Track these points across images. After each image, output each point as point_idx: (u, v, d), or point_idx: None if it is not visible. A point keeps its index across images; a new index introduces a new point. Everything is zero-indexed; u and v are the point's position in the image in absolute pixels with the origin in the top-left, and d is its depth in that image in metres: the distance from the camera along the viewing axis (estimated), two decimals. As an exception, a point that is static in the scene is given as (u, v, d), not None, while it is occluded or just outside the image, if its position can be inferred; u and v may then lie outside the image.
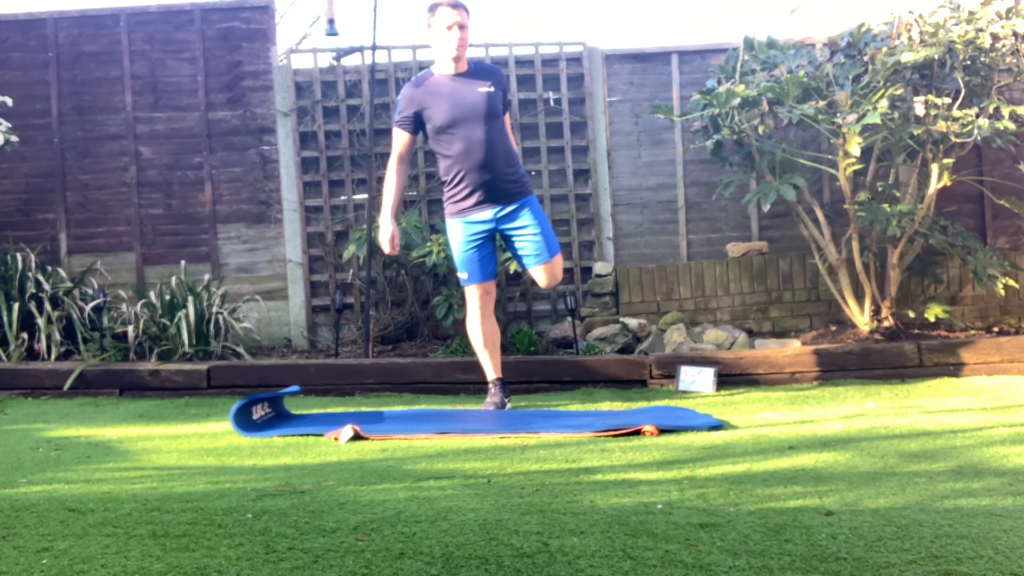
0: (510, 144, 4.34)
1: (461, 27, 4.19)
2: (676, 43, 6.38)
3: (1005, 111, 5.01)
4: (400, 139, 4.30)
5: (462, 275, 4.37)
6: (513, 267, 5.60)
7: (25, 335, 5.50)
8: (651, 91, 6.33)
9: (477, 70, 4.30)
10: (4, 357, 5.40)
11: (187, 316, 5.35)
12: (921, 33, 5.05)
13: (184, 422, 4.13)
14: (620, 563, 1.87)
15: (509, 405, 4.31)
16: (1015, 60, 5.12)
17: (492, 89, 4.23)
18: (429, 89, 4.23)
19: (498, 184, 4.23)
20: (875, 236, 5.62)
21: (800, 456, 2.98)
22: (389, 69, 6.26)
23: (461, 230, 4.31)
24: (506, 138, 4.31)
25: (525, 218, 4.28)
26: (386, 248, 4.34)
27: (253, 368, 5.16)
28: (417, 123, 4.26)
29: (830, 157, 5.51)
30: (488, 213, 4.26)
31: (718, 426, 3.62)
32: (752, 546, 1.97)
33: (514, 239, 4.33)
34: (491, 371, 4.39)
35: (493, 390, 4.34)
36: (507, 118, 4.43)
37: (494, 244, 4.39)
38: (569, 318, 5.43)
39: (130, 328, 5.44)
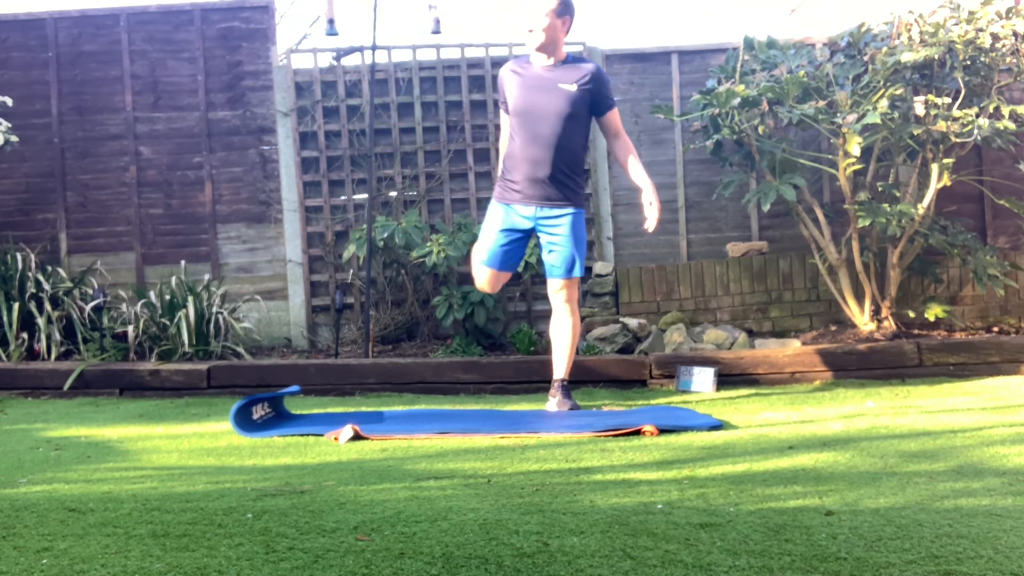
0: (577, 150, 4.25)
1: (531, 30, 4.15)
2: (676, 43, 6.38)
3: (1005, 111, 5.01)
4: (504, 121, 4.36)
5: (479, 255, 4.33)
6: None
7: (25, 335, 5.50)
8: (651, 91, 6.33)
9: (570, 65, 4.22)
10: (4, 357, 5.40)
11: (187, 316, 5.35)
12: (921, 33, 5.05)
13: (184, 422, 4.13)
14: (620, 563, 1.87)
15: None
16: (1015, 60, 5.12)
17: (573, 89, 4.15)
18: (517, 73, 4.26)
19: (548, 185, 4.18)
20: (875, 236, 5.62)
21: (800, 456, 2.98)
22: (389, 69, 6.26)
23: (500, 215, 4.27)
24: (575, 142, 4.22)
25: (561, 228, 4.21)
26: None
27: (253, 368, 5.16)
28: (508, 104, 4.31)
29: (830, 157, 5.51)
30: (531, 210, 4.21)
31: (718, 426, 3.62)
32: (752, 546, 1.97)
33: (543, 243, 4.29)
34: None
35: None
36: (614, 117, 4.30)
37: (525, 243, 4.35)
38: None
39: (130, 328, 5.44)
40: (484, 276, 4.37)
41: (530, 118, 4.16)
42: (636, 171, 4.28)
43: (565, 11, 4.18)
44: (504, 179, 4.29)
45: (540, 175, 4.16)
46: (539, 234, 4.29)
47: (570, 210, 4.22)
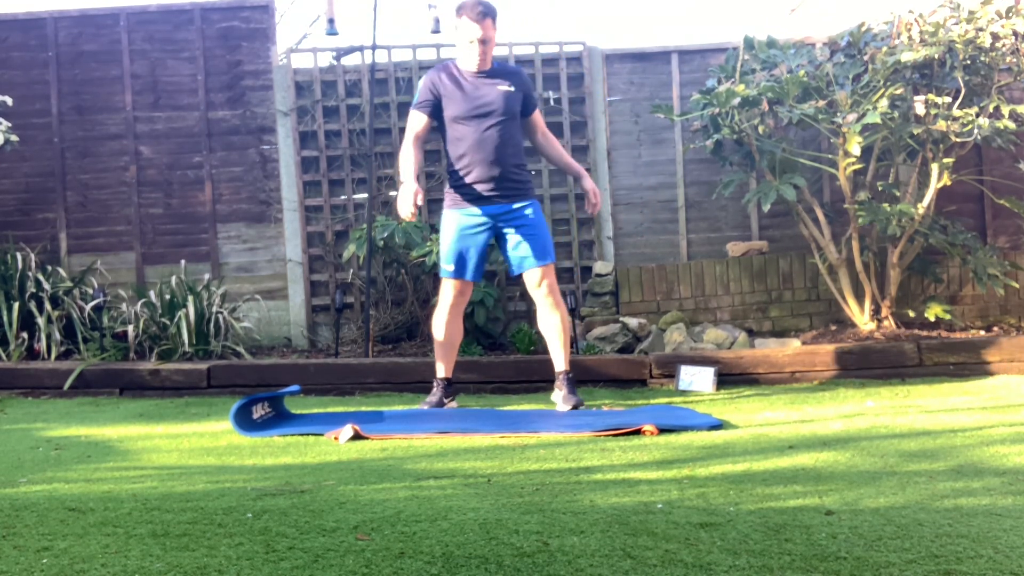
0: (521, 145, 4.40)
1: (483, 42, 4.25)
2: (676, 43, 6.38)
3: (1005, 110, 5.01)
4: (417, 121, 4.36)
5: (446, 267, 4.34)
6: (513, 267, 5.60)
7: (25, 335, 5.50)
8: (651, 90, 6.32)
9: (500, 70, 4.40)
10: (4, 357, 5.40)
11: (187, 316, 5.35)
12: (921, 32, 5.05)
13: (184, 421, 4.13)
14: (620, 562, 1.87)
15: (452, 405, 4.33)
16: (1015, 59, 5.12)
17: (512, 89, 4.31)
18: (451, 79, 4.32)
19: (504, 181, 4.28)
20: (875, 235, 5.62)
21: (800, 455, 2.98)
22: (389, 69, 6.26)
23: (456, 221, 4.33)
24: (518, 138, 4.38)
25: (525, 217, 4.31)
26: (409, 208, 4.13)
27: (253, 368, 5.16)
28: (435, 109, 4.33)
29: (830, 157, 5.51)
30: (491, 209, 4.29)
31: (718, 425, 3.62)
32: (752, 545, 1.97)
33: (508, 238, 4.33)
34: (441, 370, 4.38)
35: (436, 389, 4.35)
36: (539, 117, 4.55)
37: (487, 246, 4.38)
38: (569, 317, 5.43)
39: (130, 328, 5.44)
40: (451, 291, 4.35)
41: (477, 120, 4.25)
42: (568, 162, 4.63)
43: (495, 15, 4.32)
44: (456, 186, 4.33)
45: (494, 173, 4.26)
46: (500, 233, 4.33)
47: (530, 201, 4.37)
